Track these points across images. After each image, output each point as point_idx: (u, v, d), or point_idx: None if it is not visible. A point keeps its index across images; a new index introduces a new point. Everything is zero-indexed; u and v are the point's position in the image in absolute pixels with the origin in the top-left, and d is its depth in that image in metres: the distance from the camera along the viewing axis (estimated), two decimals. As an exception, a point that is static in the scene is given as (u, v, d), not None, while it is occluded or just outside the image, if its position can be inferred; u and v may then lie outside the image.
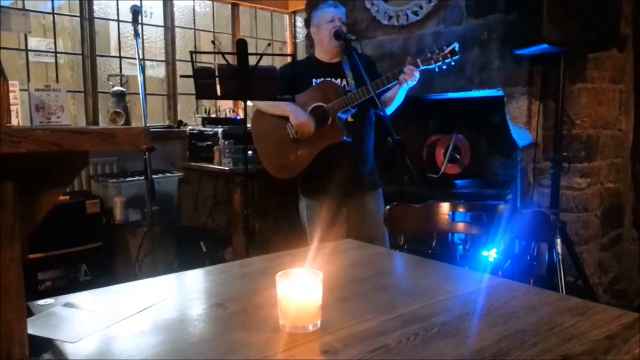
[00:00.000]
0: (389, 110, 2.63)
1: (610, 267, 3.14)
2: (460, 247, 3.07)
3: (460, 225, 1.80)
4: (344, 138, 2.57)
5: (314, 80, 2.68)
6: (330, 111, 2.59)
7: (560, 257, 2.40)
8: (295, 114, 2.60)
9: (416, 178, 2.77)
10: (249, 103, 2.79)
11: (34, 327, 0.98)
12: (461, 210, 1.81)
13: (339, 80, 2.69)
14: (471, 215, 1.80)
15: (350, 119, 2.64)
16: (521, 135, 3.01)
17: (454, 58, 2.51)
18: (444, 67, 2.52)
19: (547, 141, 2.91)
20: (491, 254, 2.74)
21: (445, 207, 1.82)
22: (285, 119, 2.65)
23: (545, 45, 2.48)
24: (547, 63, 2.86)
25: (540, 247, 2.57)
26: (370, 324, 1.00)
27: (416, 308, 1.08)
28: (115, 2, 4.04)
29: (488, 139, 3.70)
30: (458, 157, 3.54)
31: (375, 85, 2.48)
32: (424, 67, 2.52)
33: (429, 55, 2.52)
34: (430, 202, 1.83)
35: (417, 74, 2.50)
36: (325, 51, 2.73)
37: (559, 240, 2.43)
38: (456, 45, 2.51)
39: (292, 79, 2.65)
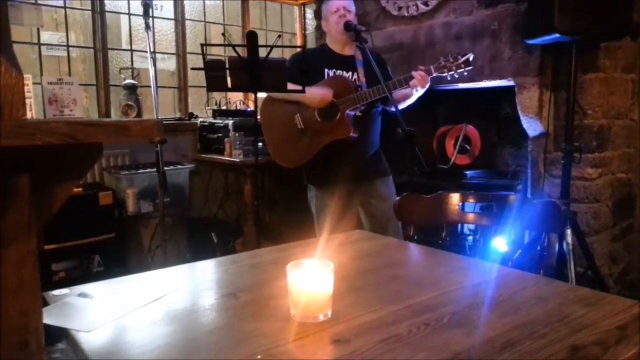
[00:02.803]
0: (399, 107, 2.63)
1: (620, 258, 3.12)
2: (470, 237, 3.07)
3: (470, 216, 1.80)
4: (351, 134, 2.57)
5: (326, 70, 2.68)
6: (340, 107, 2.59)
7: (570, 247, 2.39)
8: (310, 97, 2.59)
9: (426, 169, 2.78)
10: (259, 95, 2.79)
11: (49, 317, 0.99)
12: (471, 200, 1.80)
13: (350, 74, 2.68)
14: (481, 206, 1.80)
15: (358, 114, 2.64)
16: (532, 126, 2.99)
17: (467, 69, 2.50)
18: (456, 76, 2.51)
19: (558, 131, 2.89)
20: (501, 244, 2.74)
21: (455, 198, 1.82)
22: (296, 108, 2.66)
23: (557, 35, 2.46)
24: (558, 53, 2.83)
25: (550, 237, 2.57)
26: (380, 314, 1.01)
27: (426, 298, 1.09)
28: (125, -5, 4.05)
29: (498, 129, 3.69)
30: (468, 147, 3.53)
31: (387, 87, 2.47)
32: (437, 74, 2.51)
33: (442, 63, 2.51)
34: (440, 193, 1.83)
35: (428, 81, 2.49)
36: (335, 41, 2.73)
37: (569, 231, 2.42)
38: (471, 56, 2.49)
39: (303, 67, 2.65)
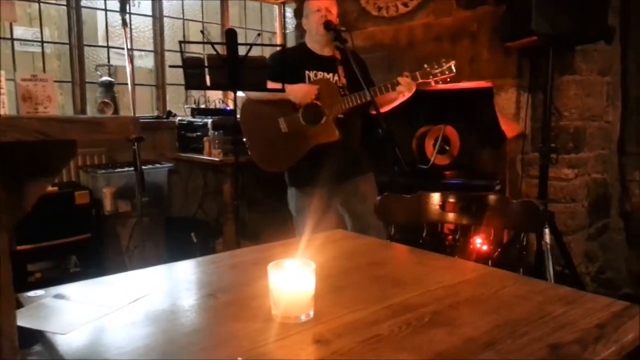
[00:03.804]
0: (382, 110, 2.63)
1: (597, 257, 3.17)
2: (450, 237, 3.09)
3: (450, 216, 1.81)
4: (337, 138, 2.57)
5: (306, 72, 2.66)
6: (324, 111, 2.58)
7: (548, 246, 2.42)
8: (294, 91, 2.58)
9: (406, 169, 2.78)
10: (239, 94, 2.77)
11: (24, 319, 0.97)
12: (451, 200, 1.81)
13: (330, 75, 2.68)
14: (461, 206, 1.80)
15: (340, 115, 2.63)
16: (510, 127, 3.03)
17: (450, 75, 2.54)
18: (440, 82, 2.55)
19: (535, 132, 2.93)
20: (481, 243, 2.76)
21: (435, 198, 1.83)
22: (278, 111, 2.63)
23: (534, 37, 2.49)
24: (535, 55, 2.87)
25: (529, 237, 2.61)
26: (362, 314, 1.00)
27: (407, 298, 1.09)
28: (102, -10, 3.98)
29: (477, 130, 3.71)
30: (447, 148, 3.55)
31: (373, 92, 2.48)
32: (422, 80, 2.53)
33: (427, 69, 2.54)
34: (420, 193, 1.84)
35: (414, 87, 2.52)
36: (315, 41, 2.71)
37: (547, 230, 2.45)
38: (453, 63, 2.53)
39: (283, 67, 2.63)
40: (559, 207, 2.91)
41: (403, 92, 2.51)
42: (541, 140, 2.68)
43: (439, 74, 2.53)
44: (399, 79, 2.51)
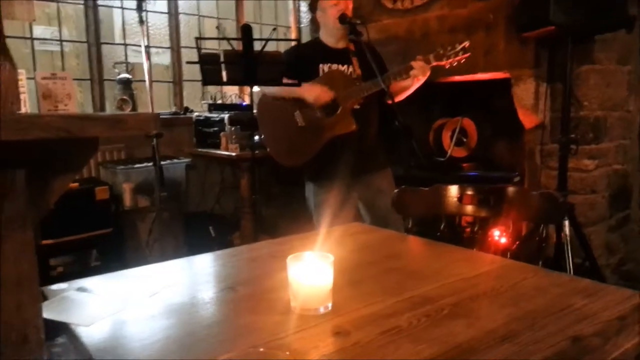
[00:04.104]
0: (398, 98, 2.62)
1: (617, 249, 3.13)
2: (469, 229, 3.07)
3: (469, 208, 1.80)
4: (354, 128, 2.57)
5: (320, 65, 2.66)
6: (340, 101, 2.58)
7: (568, 238, 2.40)
8: (309, 91, 2.58)
9: (423, 161, 2.77)
10: (255, 88, 2.77)
11: (48, 312, 0.99)
12: (469, 193, 1.80)
13: (345, 67, 2.67)
14: (479, 198, 1.79)
15: (357, 106, 2.62)
16: (528, 118, 2.99)
17: (464, 56, 2.50)
18: (455, 64, 2.51)
19: (555, 123, 2.90)
20: (499, 236, 2.74)
21: (453, 190, 1.82)
22: (294, 105, 2.63)
23: (552, 27, 2.45)
24: (553, 45, 2.83)
25: (548, 229, 2.58)
26: (380, 306, 1.00)
27: (426, 290, 1.09)
28: (119, -12, 4.02)
29: (495, 121, 3.68)
30: (465, 140, 3.53)
31: (387, 78, 2.46)
32: (436, 63, 2.50)
33: (440, 51, 2.51)
34: (437, 185, 1.83)
35: (428, 70, 2.49)
36: (330, 34, 2.70)
37: (567, 222, 2.43)
38: (467, 43, 2.50)
39: (297, 63, 2.63)
40: (578, 199, 2.88)
41: (417, 75, 2.48)
42: (560, 131, 2.65)
43: (452, 56, 2.49)
44: (413, 63, 2.48)
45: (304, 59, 2.68)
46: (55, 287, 1.13)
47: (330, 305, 0.99)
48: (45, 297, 1.07)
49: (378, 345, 0.85)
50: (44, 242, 2.94)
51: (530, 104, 2.94)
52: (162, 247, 3.18)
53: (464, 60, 2.50)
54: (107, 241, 3.29)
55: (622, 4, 2.48)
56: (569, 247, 2.38)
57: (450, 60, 2.50)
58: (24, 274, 0.71)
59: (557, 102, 2.87)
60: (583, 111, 2.85)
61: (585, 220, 2.86)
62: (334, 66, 2.67)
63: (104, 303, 1.06)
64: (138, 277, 1.23)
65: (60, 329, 0.96)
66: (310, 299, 0.98)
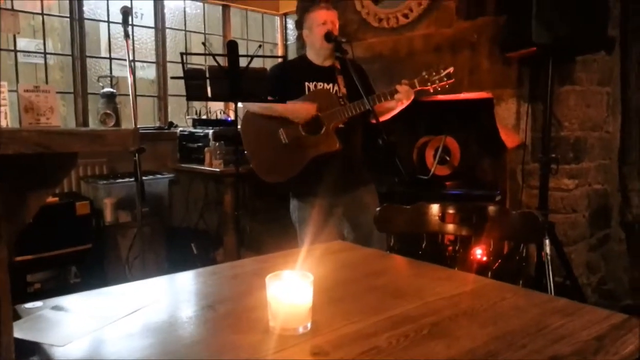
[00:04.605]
0: (382, 119, 2.64)
1: (598, 268, 3.16)
2: (450, 248, 3.09)
3: (450, 226, 1.81)
4: (338, 148, 2.58)
5: (306, 83, 2.67)
6: (324, 121, 2.59)
7: (548, 257, 2.42)
8: (292, 110, 2.59)
9: (406, 179, 2.78)
10: (240, 104, 2.78)
11: (21, 331, 0.97)
12: (451, 211, 1.81)
13: (330, 85, 2.69)
14: (461, 216, 1.80)
15: (341, 125, 2.64)
16: (510, 137, 3.03)
17: (449, 82, 2.55)
18: (439, 89, 2.56)
19: (536, 143, 2.93)
20: (480, 255, 2.76)
21: (435, 208, 1.83)
22: (278, 122, 2.64)
23: (534, 48, 2.50)
24: (535, 65, 2.88)
25: (529, 248, 2.60)
26: (360, 326, 1.00)
27: (406, 309, 1.09)
28: (105, 2, 4.02)
29: (478, 140, 3.72)
30: (448, 158, 3.55)
31: (372, 100, 2.49)
32: (420, 88, 2.54)
33: (425, 76, 2.55)
34: (420, 203, 1.84)
35: (412, 95, 2.53)
36: (317, 53, 2.72)
37: (547, 241, 2.45)
38: (451, 69, 2.55)
39: (283, 79, 2.64)
40: (559, 218, 2.91)
41: (402, 99, 2.51)
42: (541, 151, 2.68)
43: (437, 81, 2.54)
44: (398, 87, 2.51)
45: (290, 76, 2.69)
46: (29, 305, 1.10)
47: (309, 324, 0.98)
48: (18, 316, 1.05)
49: (357, 365, 0.85)
50: (22, 258, 2.89)
51: (512, 124, 2.98)
52: (143, 264, 3.14)
53: (447, 85, 2.55)
54: (87, 257, 3.24)
55: (603, 25, 2.54)
56: (550, 266, 2.40)
57: (434, 86, 2.55)
58: (-4, 292, 0.69)
59: (538, 122, 2.91)
60: (563, 131, 2.90)
61: (566, 239, 2.89)
62: (320, 84, 2.68)
63: (80, 322, 1.04)
64: (117, 295, 1.21)
65: (33, 349, 0.94)
66: (289, 318, 0.97)
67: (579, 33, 2.45)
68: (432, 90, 2.56)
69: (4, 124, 2.75)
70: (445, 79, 2.54)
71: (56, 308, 1.10)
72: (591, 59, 2.91)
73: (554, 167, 2.64)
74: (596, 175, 3.09)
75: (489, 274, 2.31)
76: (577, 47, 2.63)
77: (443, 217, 1.79)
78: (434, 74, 2.54)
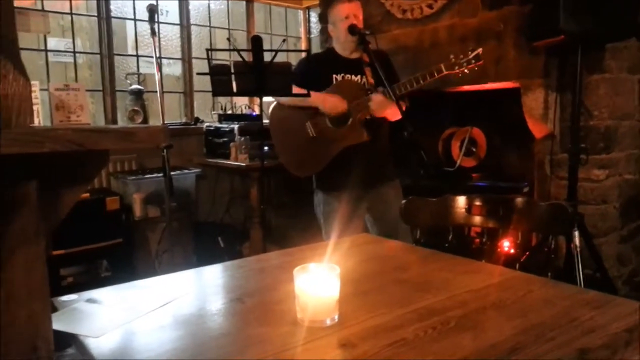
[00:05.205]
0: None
1: (629, 260, 3.10)
2: (477, 240, 3.06)
3: (477, 219, 1.80)
4: (365, 139, 2.58)
5: (333, 75, 2.67)
6: (351, 112, 2.59)
7: (578, 249, 2.38)
8: (322, 100, 2.60)
9: (432, 171, 2.77)
10: (265, 99, 2.79)
11: (58, 323, 1.00)
12: (477, 203, 1.80)
13: (358, 77, 2.68)
14: (488, 209, 1.79)
15: (368, 117, 2.63)
16: (538, 127, 2.98)
17: (477, 64, 2.44)
18: (467, 71, 2.45)
19: (564, 133, 2.88)
20: (508, 247, 2.73)
21: (461, 201, 1.82)
22: (306, 115, 2.65)
23: (562, 36, 2.45)
24: (563, 54, 2.82)
25: (558, 240, 2.56)
26: (387, 318, 1.01)
27: (433, 302, 1.09)
28: (132, 1, 4.07)
29: (504, 131, 3.67)
30: (474, 150, 3.52)
31: (397, 88, 2.46)
32: (447, 72, 2.46)
33: (452, 59, 2.45)
34: (446, 196, 1.83)
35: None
36: (342, 46, 2.72)
37: (577, 233, 2.41)
38: (480, 50, 2.43)
39: (310, 72, 2.65)
40: (589, 209, 2.86)
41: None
42: (570, 141, 2.64)
43: (465, 64, 2.43)
44: (424, 73, 2.46)
45: (317, 69, 2.69)
46: (65, 298, 1.14)
47: (336, 317, 0.99)
48: (55, 308, 1.09)
49: (384, 357, 0.86)
50: (55, 252, 2.97)
51: (539, 114, 2.93)
52: (172, 258, 3.19)
53: (477, 68, 2.45)
54: (117, 251, 3.31)
55: (633, 12, 2.47)
56: (579, 258, 2.36)
57: (462, 69, 2.44)
58: (35, 285, 0.72)
59: (566, 111, 2.85)
60: (593, 121, 2.84)
61: (596, 231, 2.83)
62: (347, 76, 2.68)
63: (113, 314, 1.07)
64: (147, 288, 1.24)
65: (69, 340, 0.97)
66: (317, 310, 0.98)
67: (608, 20, 2.39)
68: (460, 75, 2.46)
69: (36, 123, 2.82)
70: (473, 62, 2.43)
71: (90, 301, 1.14)
72: (621, 46, 2.84)
73: (583, 157, 2.60)
74: (627, 165, 3.02)
75: (517, 266, 2.29)
76: (606, 35, 2.57)
77: (469, 210, 1.78)
78: (462, 57, 2.44)
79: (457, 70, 2.45)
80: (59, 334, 0.95)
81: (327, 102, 2.60)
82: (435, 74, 2.45)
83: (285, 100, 2.74)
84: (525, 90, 2.96)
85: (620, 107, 2.93)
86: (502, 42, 3.05)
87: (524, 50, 2.94)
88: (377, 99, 2.52)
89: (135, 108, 3.73)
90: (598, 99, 2.83)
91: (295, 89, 2.56)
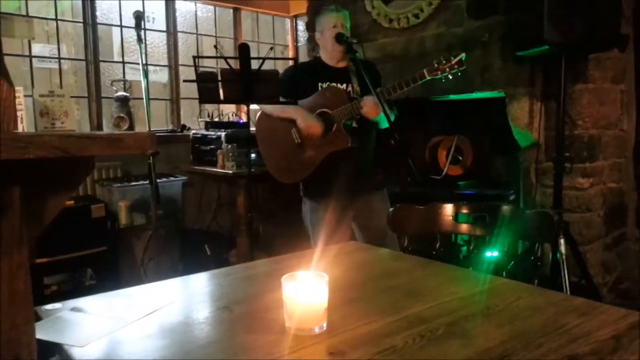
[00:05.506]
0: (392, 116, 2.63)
1: (614, 267, 3.13)
2: (464, 248, 3.07)
3: (464, 226, 1.80)
4: (349, 144, 2.58)
5: (320, 84, 2.68)
6: (335, 118, 2.60)
7: (564, 257, 2.40)
8: (303, 116, 2.61)
9: (418, 179, 2.77)
10: (252, 107, 2.79)
11: (41, 332, 0.98)
12: (464, 211, 1.81)
13: (344, 86, 2.69)
14: (474, 216, 1.80)
15: (354, 125, 2.64)
16: (523, 136, 3.01)
17: (460, 69, 2.47)
18: (450, 77, 2.48)
19: (549, 141, 2.92)
20: (495, 254, 2.74)
21: (448, 208, 1.82)
22: (291, 122, 2.65)
23: (546, 46, 2.48)
24: (548, 64, 2.86)
25: (543, 247, 2.58)
26: (376, 326, 1.00)
27: (421, 309, 1.09)
28: (118, 7, 4.05)
29: (490, 139, 3.70)
30: (460, 158, 3.54)
31: (381, 93, 2.47)
32: (430, 77, 2.50)
33: (435, 65, 2.49)
34: (433, 204, 1.84)
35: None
36: (330, 55, 2.73)
37: (562, 241, 2.43)
38: (463, 56, 2.46)
39: (297, 81, 2.65)
40: (574, 217, 2.89)
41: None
42: (555, 150, 2.67)
43: (447, 69, 2.46)
44: (410, 77, 2.49)
45: (303, 77, 2.70)
46: (49, 306, 1.12)
47: (325, 325, 0.99)
48: (39, 317, 1.07)
49: (373, 365, 0.85)
50: (39, 260, 2.92)
51: (525, 123, 2.96)
52: (158, 266, 3.16)
53: (460, 73, 2.48)
54: (102, 259, 3.27)
55: (615, 23, 2.52)
56: (565, 266, 2.38)
57: (445, 74, 2.46)
58: (18, 293, 0.70)
59: (551, 120, 2.89)
60: (577, 130, 2.88)
61: (581, 238, 2.86)
62: (333, 85, 2.69)
63: (99, 323, 1.05)
64: (133, 297, 1.22)
65: (53, 349, 0.96)
66: (305, 318, 0.97)
67: (592, 31, 2.43)
68: (443, 80, 2.48)
69: (20, 129, 2.79)
70: (456, 66, 2.46)
71: (75, 309, 1.12)
72: (604, 57, 2.89)
73: (567, 165, 2.63)
74: (611, 173, 3.06)
75: (504, 273, 2.30)
76: (589, 45, 2.61)
77: (456, 217, 1.79)
78: (444, 62, 2.48)
79: (440, 73, 2.47)
80: (42, 344, 0.93)
81: (305, 122, 2.60)
82: (418, 79, 2.48)
83: (268, 108, 2.74)
84: (511, 100, 2.99)
85: (604, 116, 2.97)
86: (488, 51, 3.08)
87: (509, 59, 2.97)
88: (369, 102, 2.52)
89: (121, 115, 3.70)
90: (582, 108, 2.87)
91: (282, 99, 2.57)
